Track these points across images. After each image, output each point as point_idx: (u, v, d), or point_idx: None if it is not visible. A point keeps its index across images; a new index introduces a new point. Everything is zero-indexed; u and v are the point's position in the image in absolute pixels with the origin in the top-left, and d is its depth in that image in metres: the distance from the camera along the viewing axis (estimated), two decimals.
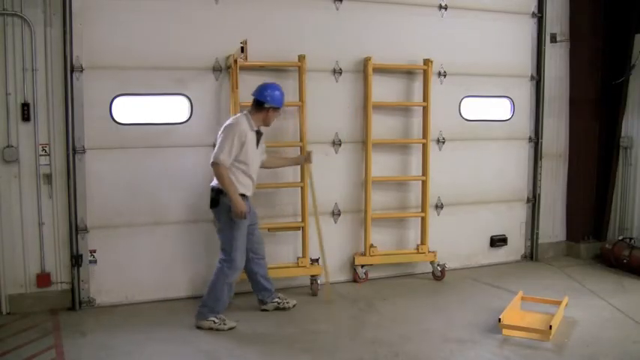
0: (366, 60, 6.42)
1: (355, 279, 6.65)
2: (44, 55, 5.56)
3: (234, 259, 5.29)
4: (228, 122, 5.31)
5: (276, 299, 5.76)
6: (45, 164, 5.65)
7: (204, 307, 5.33)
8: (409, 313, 5.72)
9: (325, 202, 6.54)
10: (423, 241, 6.78)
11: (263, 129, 5.49)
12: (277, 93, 5.39)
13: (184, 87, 6.01)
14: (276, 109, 5.42)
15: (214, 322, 5.27)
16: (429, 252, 6.77)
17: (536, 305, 5.67)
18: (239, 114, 5.42)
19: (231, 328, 5.28)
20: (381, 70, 6.58)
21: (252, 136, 5.30)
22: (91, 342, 5.01)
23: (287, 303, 5.77)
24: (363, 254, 6.60)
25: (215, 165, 5.12)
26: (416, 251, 6.80)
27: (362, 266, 6.62)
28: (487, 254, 7.44)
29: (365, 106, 6.52)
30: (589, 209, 7.76)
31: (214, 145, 6.05)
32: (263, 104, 5.33)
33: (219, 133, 5.26)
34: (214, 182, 5.29)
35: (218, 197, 5.25)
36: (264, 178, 6.26)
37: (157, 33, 5.86)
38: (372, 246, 6.57)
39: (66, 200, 5.69)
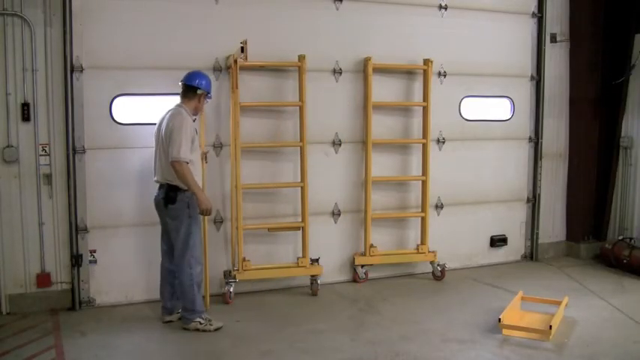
0: (366, 60, 6.42)
1: (355, 279, 6.65)
2: (44, 55, 5.56)
3: (195, 255, 5.21)
4: (172, 117, 5.11)
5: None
6: (45, 164, 5.65)
7: (185, 311, 5.26)
8: (409, 313, 5.72)
9: (325, 202, 6.55)
10: (423, 241, 6.78)
11: None
12: (205, 78, 5.34)
13: None
14: (207, 95, 5.34)
15: (200, 324, 5.22)
16: (429, 252, 6.77)
17: (536, 305, 5.67)
18: (176, 107, 5.23)
19: (217, 329, 5.23)
20: (381, 70, 6.58)
21: (193, 127, 5.23)
22: (91, 342, 5.01)
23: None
24: (363, 254, 6.60)
25: (176, 163, 4.95)
26: (416, 251, 6.80)
27: (362, 266, 6.62)
28: (487, 254, 7.44)
29: (365, 106, 6.52)
30: (589, 209, 7.76)
31: (214, 146, 6.07)
32: (195, 90, 5.25)
33: (167, 128, 5.05)
34: (165, 179, 5.11)
35: (175, 194, 5.10)
36: (264, 178, 6.27)
37: (156, 33, 5.86)
38: (372, 246, 6.57)
39: (66, 200, 5.69)
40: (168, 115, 5.20)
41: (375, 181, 6.59)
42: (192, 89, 5.27)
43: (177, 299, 5.39)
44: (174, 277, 5.33)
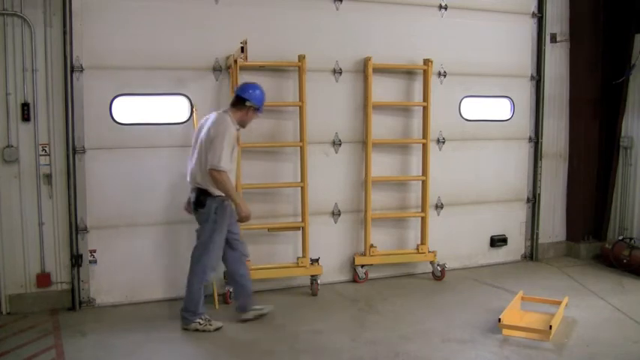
0: (366, 60, 6.41)
1: (355, 279, 6.64)
2: (44, 55, 5.56)
3: (211, 263, 5.22)
4: (216, 123, 5.09)
5: (257, 306, 5.51)
6: (45, 164, 5.65)
7: (186, 311, 5.26)
8: (409, 313, 5.72)
9: (325, 202, 6.55)
10: (423, 241, 6.78)
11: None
12: (258, 92, 5.28)
13: (184, 87, 6.01)
14: (256, 109, 5.29)
15: (200, 324, 5.22)
16: (428, 252, 6.77)
17: (536, 305, 5.67)
18: (221, 112, 5.23)
19: (217, 329, 5.24)
20: (381, 70, 6.58)
21: (236, 136, 5.21)
22: (91, 342, 5.01)
23: (262, 310, 5.48)
24: (363, 254, 6.60)
25: (215, 171, 4.92)
26: (416, 251, 6.79)
27: (362, 266, 6.62)
28: (487, 254, 7.44)
29: (365, 106, 6.52)
30: (589, 209, 7.76)
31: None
32: (244, 102, 5.22)
33: (209, 134, 5.04)
34: (199, 183, 5.12)
35: (205, 198, 5.11)
36: (265, 178, 6.27)
37: (157, 33, 5.86)
38: (372, 246, 6.57)
39: (66, 200, 5.69)
40: (211, 120, 5.17)
41: (375, 181, 6.59)
42: (242, 100, 5.23)
43: (246, 296, 5.44)
44: (241, 276, 5.43)
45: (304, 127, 6.15)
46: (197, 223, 5.32)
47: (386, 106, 6.67)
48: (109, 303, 5.89)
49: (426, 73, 6.65)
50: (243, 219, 5.17)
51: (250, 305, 5.48)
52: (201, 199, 5.14)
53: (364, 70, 6.46)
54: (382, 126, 6.66)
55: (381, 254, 6.65)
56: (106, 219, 5.84)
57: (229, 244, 5.36)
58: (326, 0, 6.43)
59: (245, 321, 5.42)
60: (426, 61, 6.61)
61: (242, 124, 5.30)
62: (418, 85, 6.78)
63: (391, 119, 6.76)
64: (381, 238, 6.71)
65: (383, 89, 6.61)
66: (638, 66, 7.30)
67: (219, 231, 5.19)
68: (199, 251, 5.23)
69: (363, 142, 6.58)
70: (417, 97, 6.78)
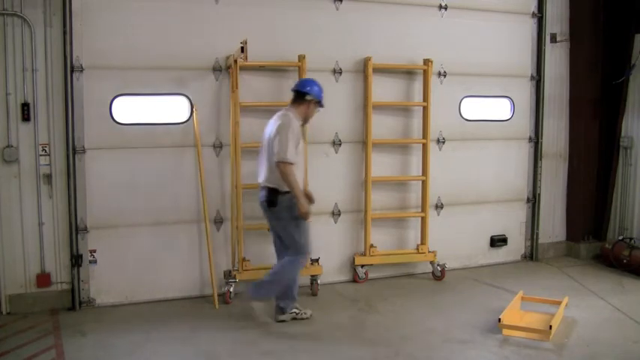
0: (366, 60, 6.41)
1: (355, 279, 6.64)
2: (44, 55, 5.56)
3: (306, 249, 5.38)
4: (280, 119, 5.23)
5: (295, 309, 5.50)
6: (45, 164, 5.65)
7: (282, 300, 5.39)
8: (409, 313, 5.72)
9: (325, 202, 6.54)
10: (423, 241, 6.78)
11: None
12: (317, 87, 5.40)
13: (184, 87, 6.01)
14: (317, 102, 5.39)
15: (296, 313, 5.43)
16: (428, 252, 6.77)
17: (536, 305, 5.67)
18: (284, 111, 5.35)
19: (309, 316, 5.47)
20: (382, 70, 6.57)
21: (300, 131, 5.33)
22: (91, 342, 5.01)
23: (304, 314, 5.51)
24: (363, 254, 6.60)
25: (282, 164, 5.04)
26: (416, 251, 6.80)
27: (362, 266, 6.62)
28: (487, 254, 7.44)
29: (365, 106, 6.51)
30: (589, 209, 7.76)
31: (214, 146, 6.08)
32: (304, 96, 5.31)
33: (274, 131, 5.18)
34: (268, 181, 5.23)
35: (276, 197, 5.20)
36: None
37: (157, 33, 5.86)
38: (372, 246, 6.57)
39: (66, 200, 5.69)
40: (275, 118, 5.32)
41: (375, 181, 6.59)
42: (301, 95, 5.33)
43: (288, 298, 5.43)
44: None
45: (304, 127, 6.13)
46: (269, 221, 5.45)
47: (386, 106, 6.66)
48: (109, 303, 5.89)
49: (426, 73, 6.66)
50: (302, 216, 5.20)
51: (290, 308, 5.47)
52: (272, 199, 5.23)
53: (364, 70, 6.46)
54: (382, 126, 6.66)
55: (381, 254, 6.65)
56: (106, 219, 5.84)
57: (284, 243, 5.42)
58: (326, 0, 6.43)
59: (281, 322, 5.41)
60: (426, 61, 6.61)
61: (305, 119, 5.45)
62: (418, 85, 6.78)
63: (391, 119, 6.75)
64: (381, 238, 6.71)
65: (383, 89, 6.61)
66: (638, 66, 7.30)
67: (300, 223, 5.27)
68: (293, 248, 5.32)
69: (363, 142, 6.58)
70: (417, 97, 6.78)
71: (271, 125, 5.30)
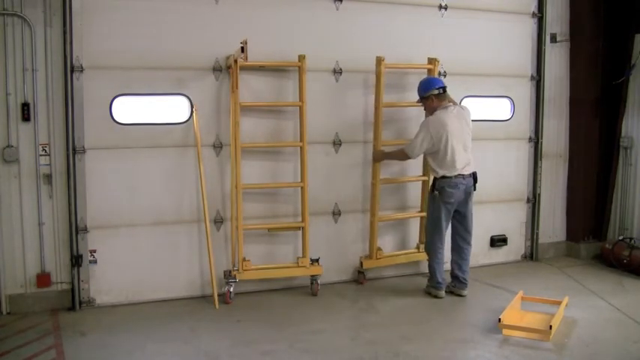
0: (378, 60, 6.28)
1: (361, 281, 6.61)
2: (44, 55, 5.56)
3: None
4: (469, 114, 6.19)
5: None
6: (45, 164, 5.65)
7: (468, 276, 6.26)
8: (409, 313, 5.72)
9: (325, 202, 6.55)
10: (422, 241, 6.77)
11: None
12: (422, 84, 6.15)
13: (184, 87, 6.01)
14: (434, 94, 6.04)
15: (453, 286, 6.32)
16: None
17: (536, 305, 5.67)
18: (458, 105, 6.23)
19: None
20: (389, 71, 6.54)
21: None
22: (91, 342, 5.01)
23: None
24: (369, 257, 6.57)
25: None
26: (416, 250, 6.79)
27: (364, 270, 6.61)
28: (487, 254, 7.44)
29: (375, 108, 6.41)
30: (589, 209, 7.75)
31: (214, 146, 6.09)
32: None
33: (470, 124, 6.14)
34: (472, 167, 6.04)
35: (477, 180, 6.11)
36: (264, 178, 6.27)
37: (157, 33, 5.86)
38: (379, 249, 6.55)
39: (66, 200, 5.69)
40: (458, 110, 6.10)
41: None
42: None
43: (464, 271, 6.24)
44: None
45: (304, 127, 6.14)
46: (465, 207, 6.10)
47: (386, 107, 6.63)
48: (109, 303, 5.89)
49: (431, 73, 6.53)
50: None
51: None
52: (475, 183, 6.09)
53: (376, 70, 6.32)
54: (392, 124, 6.65)
55: (387, 256, 6.64)
56: (106, 219, 5.84)
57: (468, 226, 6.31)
58: (326, 0, 6.43)
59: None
60: (432, 60, 6.53)
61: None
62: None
63: (391, 119, 6.74)
64: (381, 239, 6.69)
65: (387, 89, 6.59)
66: (638, 66, 7.29)
67: None
68: (471, 230, 6.26)
69: (364, 142, 6.57)
70: (416, 96, 6.75)
71: (457, 117, 6.00)
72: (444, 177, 5.95)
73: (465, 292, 6.20)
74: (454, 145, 5.93)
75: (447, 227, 6.15)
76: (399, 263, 6.77)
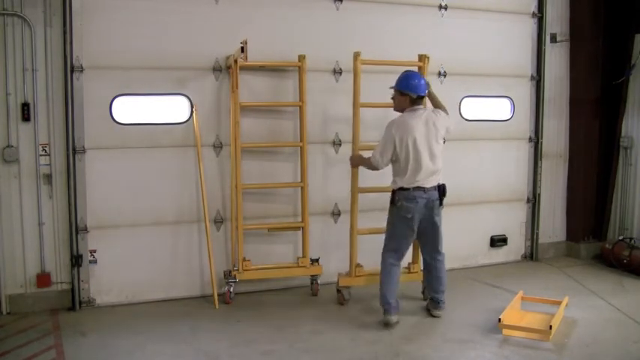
0: (355, 55, 5.91)
1: (340, 301, 6.00)
2: (44, 55, 5.56)
3: None
4: (443, 115, 5.54)
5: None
6: (45, 164, 5.65)
7: (443, 295, 5.63)
8: (409, 313, 5.71)
9: (325, 202, 6.54)
10: (415, 260, 6.64)
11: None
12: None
13: (184, 87, 6.01)
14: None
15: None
16: None
17: (536, 305, 5.67)
18: (427, 109, 5.59)
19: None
20: (378, 68, 6.52)
21: None
22: (91, 342, 5.01)
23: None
24: (348, 274, 6.01)
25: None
26: (407, 271, 6.62)
27: (346, 287, 6.02)
28: (487, 254, 7.44)
29: (353, 106, 6.22)
30: (589, 209, 7.75)
31: (214, 146, 6.08)
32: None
33: (440, 130, 5.41)
34: (437, 180, 5.39)
35: (446, 194, 5.46)
36: (265, 178, 6.27)
37: (156, 33, 5.86)
38: (358, 265, 6.03)
39: (66, 200, 5.69)
40: (437, 116, 5.45)
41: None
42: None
43: (438, 290, 5.63)
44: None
45: (304, 127, 6.14)
46: (431, 221, 5.41)
47: (385, 107, 6.62)
48: (109, 303, 5.89)
49: (421, 70, 6.10)
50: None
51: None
52: (445, 194, 5.45)
53: (353, 66, 5.96)
54: (381, 126, 6.62)
55: (367, 274, 5.98)
56: (106, 219, 5.84)
57: (434, 243, 5.63)
58: (326, 0, 6.43)
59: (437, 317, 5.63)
60: (422, 57, 6.05)
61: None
62: None
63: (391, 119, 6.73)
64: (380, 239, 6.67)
65: (382, 89, 6.56)
66: (638, 66, 7.29)
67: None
68: (440, 247, 5.56)
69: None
70: None
71: (425, 122, 5.35)
72: (401, 189, 5.32)
73: (438, 314, 5.60)
74: (418, 154, 5.27)
75: (406, 244, 5.53)
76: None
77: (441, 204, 5.40)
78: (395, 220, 5.44)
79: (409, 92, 5.40)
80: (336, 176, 6.59)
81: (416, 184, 5.29)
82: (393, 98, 5.55)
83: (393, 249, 5.48)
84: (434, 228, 5.44)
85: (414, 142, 5.27)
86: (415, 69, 6.23)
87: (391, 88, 5.51)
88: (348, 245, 6.60)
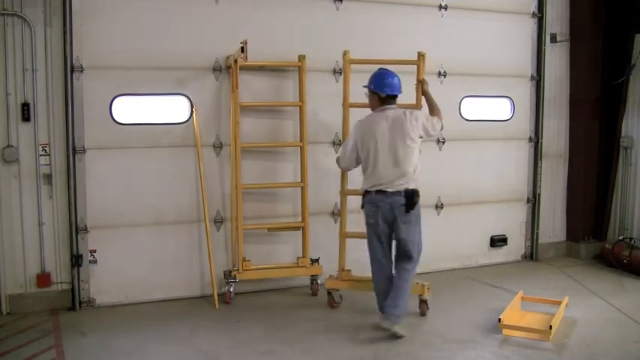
0: (343, 53, 5.91)
1: (331, 304, 5.88)
2: (44, 55, 5.56)
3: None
4: (412, 114, 5.23)
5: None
6: (45, 164, 5.65)
7: (403, 310, 5.06)
8: (409, 313, 5.70)
9: (325, 202, 6.54)
10: None
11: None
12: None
13: (184, 87, 6.02)
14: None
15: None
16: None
17: (536, 305, 5.67)
18: (398, 110, 5.27)
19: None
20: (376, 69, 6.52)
21: None
22: (91, 342, 5.01)
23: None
24: (336, 277, 5.86)
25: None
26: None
27: (337, 290, 5.90)
28: (487, 254, 7.44)
29: (342, 107, 6.27)
30: (589, 209, 7.76)
31: (214, 146, 6.08)
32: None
33: (413, 128, 5.13)
34: (407, 183, 5.03)
35: (418, 198, 5.07)
36: (265, 178, 6.27)
37: (157, 33, 5.86)
38: (344, 270, 5.88)
39: (66, 200, 5.69)
40: (407, 117, 5.15)
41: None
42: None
43: (393, 304, 5.03)
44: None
45: (304, 127, 6.14)
46: (394, 227, 5.10)
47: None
48: (109, 303, 5.89)
49: (419, 69, 5.99)
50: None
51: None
52: (414, 200, 5.04)
53: (343, 65, 5.93)
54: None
55: (355, 280, 5.83)
56: (106, 219, 5.84)
57: (405, 249, 5.19)
58: (326, 0, 6.43)
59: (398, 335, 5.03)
60: (420, 55, 5.89)
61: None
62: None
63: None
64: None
65: None
66: (638, 66, 7.30)
67: (419, 223, 5.19)
68: (416, 256, 5.15)
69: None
70: (411, 95, 6.72)
71: (392, 124, 5.10)
72: (366, 191, 5.16)
73: (386, 325, 4.97)
74: (380, 156, 5.07)
75: (380, 249, 5.21)
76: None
77: (408, 210, 5.01)
78: (365, 225, 5.27)
79: (377, 91, 5.23)
80: (336, 176, 6.58)
81: (377, 188, 5.07)
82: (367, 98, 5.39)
83: (370, 254, 5.30)
84: (402, 234, 5.07)
85: (375, 143, 5.10)
86: (413, 67, 6.14)
87: (364, 87, 5.35)
88: (348, 245, 6.64)
